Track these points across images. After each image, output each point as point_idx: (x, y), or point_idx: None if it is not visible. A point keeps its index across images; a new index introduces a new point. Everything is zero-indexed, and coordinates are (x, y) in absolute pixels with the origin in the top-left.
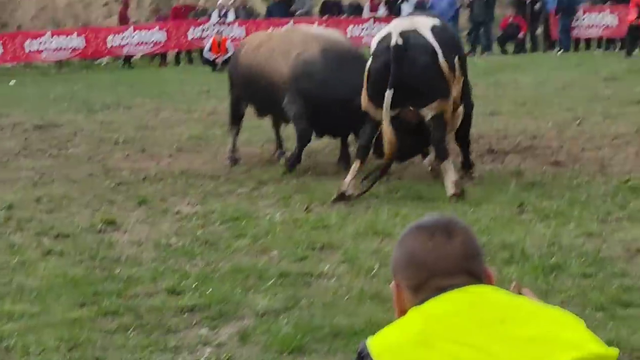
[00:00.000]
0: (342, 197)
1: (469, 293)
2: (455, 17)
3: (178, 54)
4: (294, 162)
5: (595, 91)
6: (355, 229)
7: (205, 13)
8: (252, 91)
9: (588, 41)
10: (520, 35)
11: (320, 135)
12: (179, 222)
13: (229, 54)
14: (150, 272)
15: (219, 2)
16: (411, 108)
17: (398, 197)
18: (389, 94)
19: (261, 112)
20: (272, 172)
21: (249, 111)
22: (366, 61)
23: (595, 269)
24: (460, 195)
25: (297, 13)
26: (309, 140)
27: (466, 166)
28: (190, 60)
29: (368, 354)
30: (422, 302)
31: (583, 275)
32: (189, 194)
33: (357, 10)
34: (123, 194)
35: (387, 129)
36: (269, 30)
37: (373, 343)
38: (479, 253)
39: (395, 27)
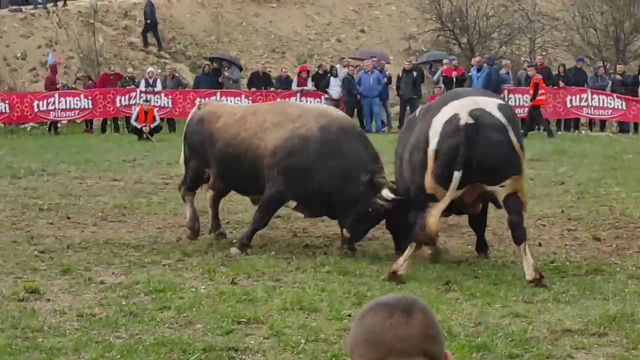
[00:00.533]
0: (394, 276)
1: None
2: (383, 94)
3: (104, 121)
4: (246, 244)
5: None
6: (281, 303)
7: (133, 81)
8: (231, 167)
9: None
10: None
11: (310, 216)
12: (102, 292)
13: (156, 123)
14: (73, 343)
15: (147, 71)
16: (484, 186)
17: (325, 272)
18: (457, 175)
19: (238, 190)
20: (198, 243)
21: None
22: (366, 137)
23: (521, 350)
24: (540, 280)
25: (225, 85)
26: (265, 225)
27: (482, 249)
28: (117, 128)
29: None
30: None
31: (509, 356)
32: (113, 264)
33: (285, 83)
34: (47, 262)
35: (437, 212)
36: (239, 104)
37: None
38: (438, 336)
39: (461, 107)
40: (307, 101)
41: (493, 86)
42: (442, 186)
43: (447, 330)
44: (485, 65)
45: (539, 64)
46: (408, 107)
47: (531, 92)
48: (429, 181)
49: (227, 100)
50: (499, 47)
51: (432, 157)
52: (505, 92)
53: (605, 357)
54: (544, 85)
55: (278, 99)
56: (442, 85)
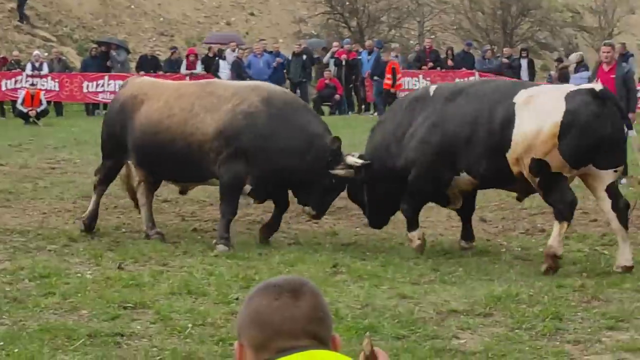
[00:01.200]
0: (554, 258)
1: (312, 358)
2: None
3: None
4: (226, 235)
5: None
6: (168, 287)
7: (19, 65)
8: (156, 156)
9: None
10: (336, 96)
11: (261, 201)
12: None
13: (43, 107)
14: None
15: (33, 54)
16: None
17: (213, 256)
18: (633, 132)
19: (169, 178)
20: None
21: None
22: (310, 112)
23: (408, 331)
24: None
25: (113, 68)
26: (235, 213)
27: (470, 238)
28: (2, 113)
29: None
30: None
31: (396, 337)
32: None
33: (174, 66)
34: None
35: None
36: (162, 82)
37: None
38: (326, 318)
39: (567, 87)
40: None
41: (380, 68)
42: (573, 163)
43: (335, 312)
44: (375, 48)
45: (427, 47)
46: (298, 90)
47: (389, 77)
48: (556, 157)
49: (115, 84)
50: (388, 31)
51: (558, 132)
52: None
53: (490, 336)
54: (400, 71)
55: (202, 80)
56: (334, 68)
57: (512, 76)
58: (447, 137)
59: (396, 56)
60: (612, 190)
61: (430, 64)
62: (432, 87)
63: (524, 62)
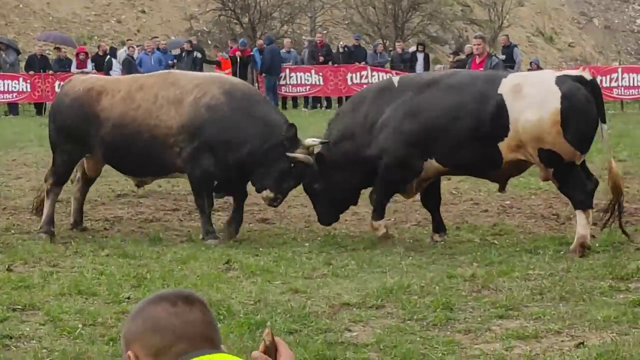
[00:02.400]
0: (585, 248)
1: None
2: None
3: None
4: (212, 231)
5: None
6: (58, 288)
7: None
8: (123, 149)
9: (295, 99)
10: None
11: (222, 195)
12: None
13: None
14: None
15: None
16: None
17: (104, 255)
18: (605, 127)
19: (132, 173)
20: None
21: None
22: (268, 103)
23: (300, 325)
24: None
25: (2, 68)
26: (212, 205)
27: (442, 230)
28: None
29: None
30: None
31: (288, 332)
32: None
33: (65, 65)
34: None
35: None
36: (114, 77)
37: None
38: (216, 324)
39: (554, 72)
40: None
41: (268, 65)
42: (581, 148)
43: (227, 309)
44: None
45: (318, 42)
46: None
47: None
48: (563, 144)
49: (4, 84)
50: (280, 26)
51: (560, 119)
52: (287, 70)
53: (382, 328)
54: (229, 65)
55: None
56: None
57: (406, 70)
58: (422, 126)
59: (288, 51)
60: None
61: (322, 59)
62: (395, 79)
63: (420, 56)
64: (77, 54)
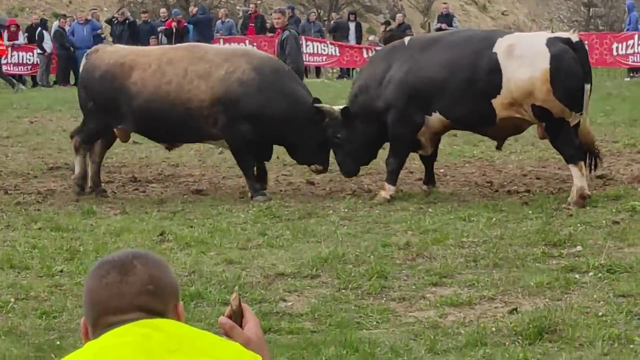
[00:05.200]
0: (585, 198)
1: (143, 326)
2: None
3: None
4: (258, 188)
5: None
6: None
7: None
8: (156, 120)
9: None
10: None
11: (255, 159)
12: None
13: None
14: None
15: None
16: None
17: (36, 228)
18: (588, 87)
19: (165, 141)
20: None
21: None
22: (294, 74)
23: None
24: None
25: None
26: (253, 166)
27: (431, 182)
28: None
29: None
30: (97, 337)
31: (223, 303)
32: None
33: None
34: None
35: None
36: (142, 49)
37: None
38: (160, 289)
39: (545, 34)
40: (19, 55)
41: (208, 35)
42: (570, 105)
43: None
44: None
45: (250, 12)
46: None
47: None
48: (555, 103)
49: None
50: None
51: (549, 77)
52: (221, 41)
53: (317, 297)
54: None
55: (188, 44)
56: (164, 38)
57: (340, 39)
58: (422, 80)
59: (223, 22)
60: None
61: (255, 30)
62: (407, 38)
63: (352, 25)
64: (9, 26)
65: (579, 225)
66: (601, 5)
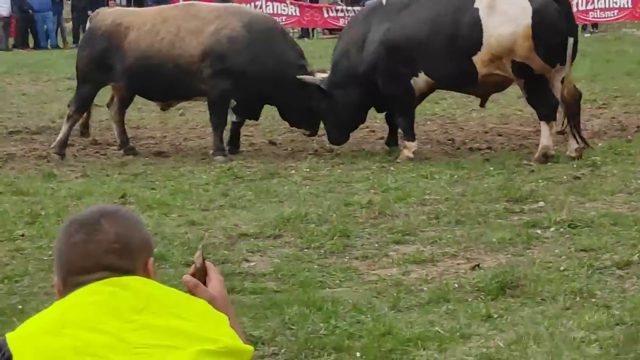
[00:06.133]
0: (547, 158)
1: (111, 285)
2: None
3: None
4: (222, 148)
5: None
6: None
7: None
8: (149, 78)
9: None
10: None
11: (242, 117)
12: None
13: None
14: None
15: None
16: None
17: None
18: (571, 41)
19: (158, 99)
20: None
21: None
22: (287, 34)
23: None
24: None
25: None
26: (225, 124)
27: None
28: None
29: (5, 344)
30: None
31: (186, 264)
32: None
33: None
34: None
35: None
36: (140, 9)
37: (11, 335)
38: (128, 247)
39: None
40: None
41: None
42: (550, 61)
43: None
44: None
45: None
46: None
47: None
48: (535, 59)
49: None
50: None
51: (531, 32)
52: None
53: (280, 257)
54: None
55: (181, 2)
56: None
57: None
58: (404, 38)
59: None
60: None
61: None
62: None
63: None
64: None
65: (540, 181)
66: None
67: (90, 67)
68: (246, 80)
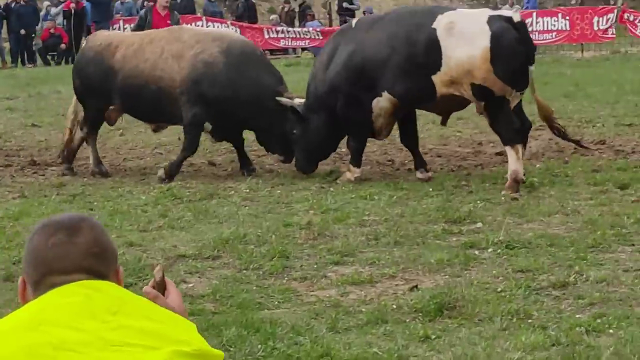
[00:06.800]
0: (518, 183)
1: (86, 287)
2: None
3: None
4: (175, 171)
5: None
6: None
7: None
8: (135, 98)
9: None
10: (62, 46)
11: (219, 140)
12: None
13: None
14: None
15: None
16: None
17: None
18: (532, 69)
19: (149, 121)
20: None
21: None
22: (266, 59)
23: (135, 279)
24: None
25: None
26: (195, 150)
27: (423, 165)
28: None
29: None
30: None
31: (124, 285)
32: None
33: None
34: None
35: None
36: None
37: None
38: (105, 254)
39: (486, 11)
40: None
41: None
42: (512, 84)
43: None
44: None
45: None
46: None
47: None
48: (494, 81)
49: None
50: None
51: (490, 56)
52: (121, 22)
53: (219, 278)
54: None
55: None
56: (63, 21)
57: (241, 20)
58: (365, 60)
59: (122, 3)
60: (518, 111)
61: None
62: (354, 20)
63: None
64: None
65: (478, 202)
66: None
67: (85, 92)
68: (221, 106)
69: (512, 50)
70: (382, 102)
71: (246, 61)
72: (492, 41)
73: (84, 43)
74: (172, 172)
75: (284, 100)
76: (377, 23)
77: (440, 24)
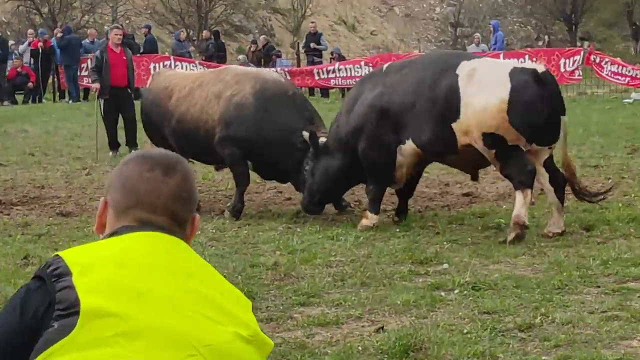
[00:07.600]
0: (522, 227)
1: (166, 241)
2: None
3: None
4: (239, 206)
5: None
6: None
7: None
8: (188, 142)
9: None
10: (30, 84)
11: (268, 179)
12: None
13: None
14: None
15: None
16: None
17: None
18: (565, 119)
19: (200, 161)
20: None
21: None
22: (303, 97)
23: None
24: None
25: None
26: (247, 182)
27: (403, 214)
28: None
29: (64, 266)
30: (120, 227)
31: None
32: None
33: None
34: None
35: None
36: (187, 73)
37: (66, 253)
38: (190, 198)
39: (514, 62)
40: None
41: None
42: (530, 137)
43: None
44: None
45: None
46: None
47: None
48: (510, 131)
49: None
50: (81, 16)
51: (507, 107)
52: (89, 61)
53: None
54: None
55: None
56: (30, 59)
57: (210, 60)
58: (392, 104)
59: (92, 42)
60: (549, 166)
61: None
62: (386, 65)
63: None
64: None
65: (445, 243)
66: (468, 25)
67: (148, 131)
68: (249, 147)
69: (531, 105)
70: (406, 150)
71: (276, 102)
72: (511, 94)
73: (149, 80)
74: (237, 208)
75: (305, 136)
76: (407, 67)
77: (463, 70)
